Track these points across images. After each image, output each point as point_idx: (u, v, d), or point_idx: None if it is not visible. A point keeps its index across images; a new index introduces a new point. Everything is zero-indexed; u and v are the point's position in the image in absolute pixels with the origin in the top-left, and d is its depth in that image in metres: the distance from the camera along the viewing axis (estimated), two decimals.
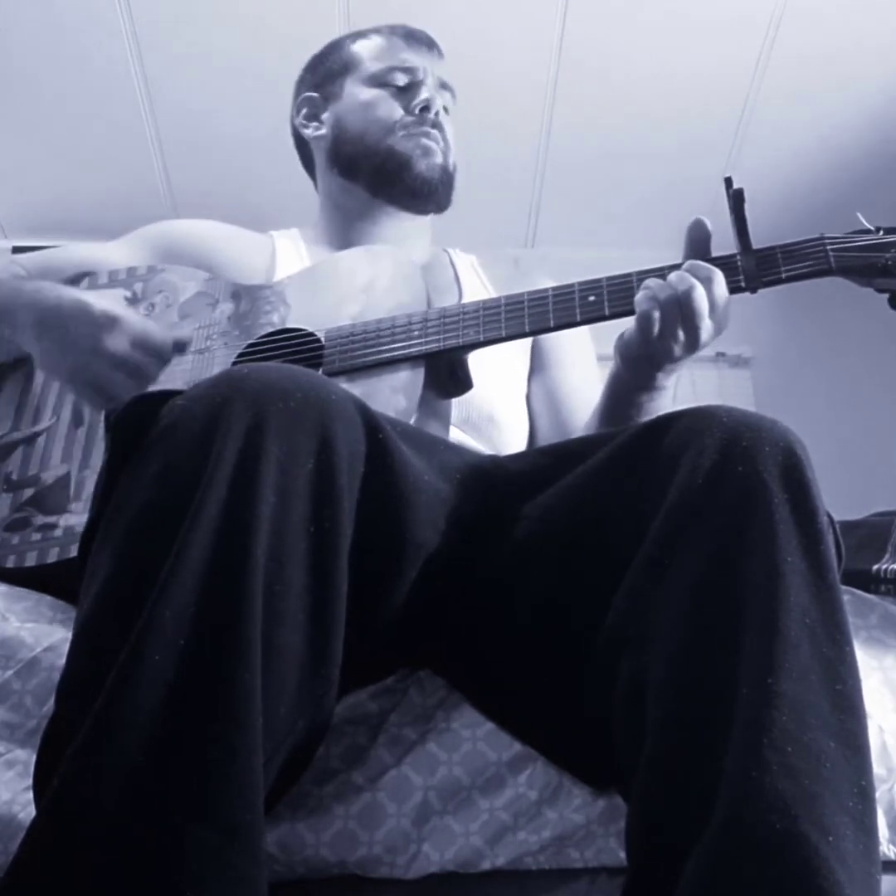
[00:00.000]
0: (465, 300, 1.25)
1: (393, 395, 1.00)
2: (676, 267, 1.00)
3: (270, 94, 2.59)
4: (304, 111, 1.35)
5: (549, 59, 2.49)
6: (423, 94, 1.26)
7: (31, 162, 2.71)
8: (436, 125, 1.27)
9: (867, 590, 0.96)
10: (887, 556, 1.00)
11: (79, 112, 2.58)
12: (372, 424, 0.73)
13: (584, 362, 1.31)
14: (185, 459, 0.66)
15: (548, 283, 1.35)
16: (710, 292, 0.96)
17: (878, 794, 0.78)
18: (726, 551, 0.67)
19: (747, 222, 1.01)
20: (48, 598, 0.93)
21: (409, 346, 1.03)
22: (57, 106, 2.56)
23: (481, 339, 1.04)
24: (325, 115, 1.32)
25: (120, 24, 2.38)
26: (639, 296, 0.98)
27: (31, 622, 0.88)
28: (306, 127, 1.34)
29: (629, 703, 0.69)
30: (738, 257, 1.01)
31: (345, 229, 1.30)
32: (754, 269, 1.00)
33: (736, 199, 1.01)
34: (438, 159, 1.26)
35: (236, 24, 2.38)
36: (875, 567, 0.98)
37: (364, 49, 1.31)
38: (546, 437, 1.24)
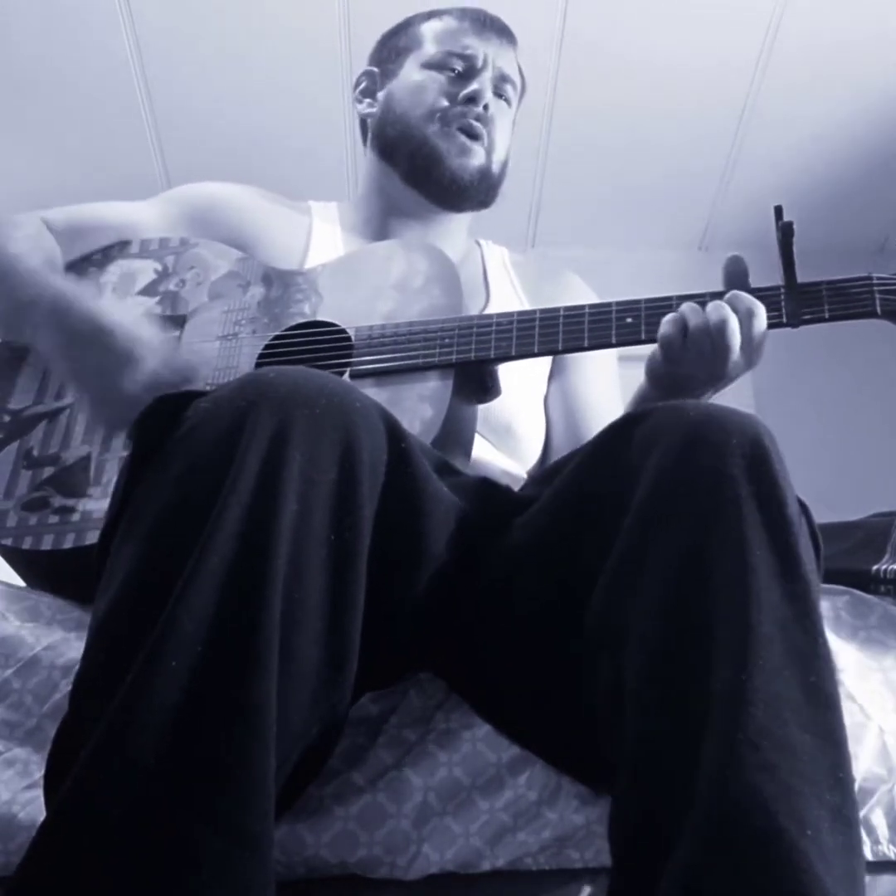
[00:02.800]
0: (492, 303, 1.23)
1: (420, 402, 0.99)
2: (717, 295, 0.98)
3: (271, 93, 2.60)
4: (362, 85, 1.32)
5: (549, 58, 2.49)
6: (474, 85, 1.21)
7: (31, 161, 2.71)
8: (481, 119, 1.21)
9: (867, 590, 0.96)
10: (887, 556, 1.00)
11: (78, 111, 2.57)
12: (395, 433, 0.73)
13: (605, 373, 1.27)
14: (209, 463, 0.66)
15: (576, 279, 1.33)
16: (747, 326, 0.94)
17: (878, 795, 0.78)
18: (695, 549, 0.67)
19: (795, 256, 0.98)
20: (47, 598, 0.93)
21: (440, 354, 1.02)
22: (56, 104, 2.56)
23: (513, 353, 1.02)
24: (380, 93, 1.29)
25: (120, 24, 2.37)
26: (666, 318, 0.96)
27: (30, 622, 0.88)
28: (360, 102, 1.31)
29: (609, 703, 0.69)
30: (782, 292, 0.98)
31: (381, 215, 1.27)
32: (797, 305, 0.97)
33: (785, 232, 0.98)
34: (476, 161, 1.21)
35: (236, 24, 2.38)
36: (875, 567, 0.98)
37: (430, 30, 1.27)
38: (559, 447, 1.22)
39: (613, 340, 1.01)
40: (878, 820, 0.78)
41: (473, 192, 1.23)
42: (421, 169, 1.21)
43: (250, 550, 0.62)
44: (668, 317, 0.96)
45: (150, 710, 0.58)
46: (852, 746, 0.79)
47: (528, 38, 2.42)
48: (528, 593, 0.79)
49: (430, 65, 1.24)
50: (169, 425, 0.71)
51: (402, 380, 1.02)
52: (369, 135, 1.31)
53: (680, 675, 0.64)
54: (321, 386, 0.69)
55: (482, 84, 1.22)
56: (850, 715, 0.82)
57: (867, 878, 0.76)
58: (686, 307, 0.96)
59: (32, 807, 0.75)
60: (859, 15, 2.37)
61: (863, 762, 0.79)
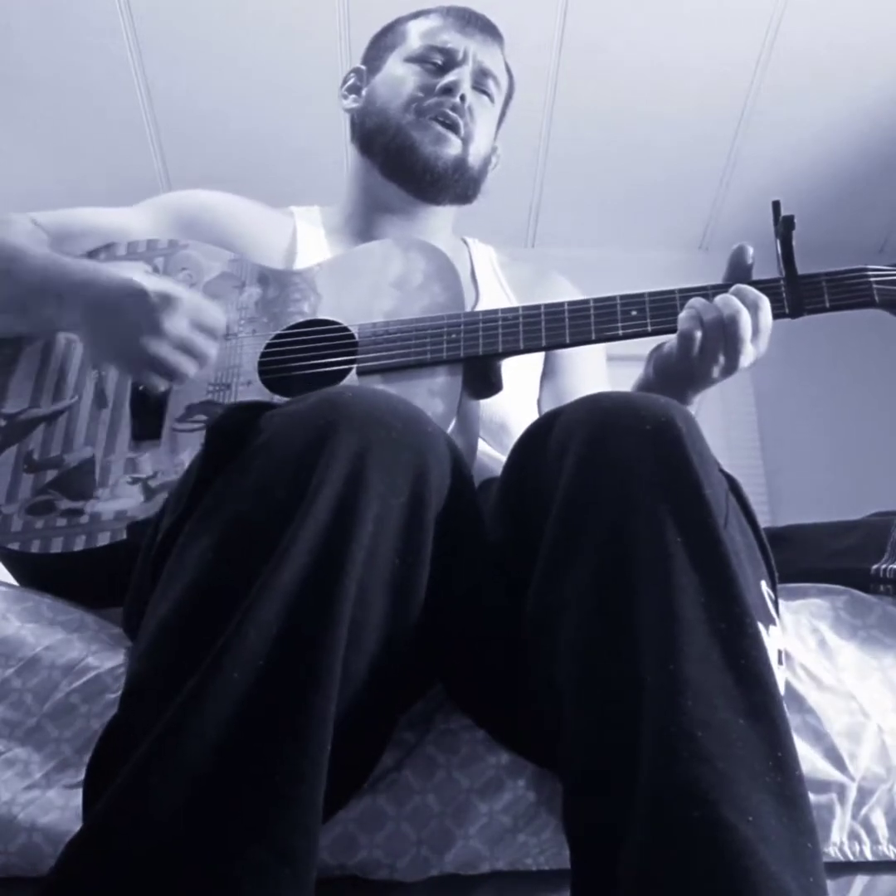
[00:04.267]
0: (482, 301, 1.24)
1: (431, 398, 0.99)
2: (720, 288, 1.00)
3: (271, 93, 2.60)
4: (349, 81, 1.33)
5: (549, 57, 2.49)
6: (451, 76, 1.22)
7: (31, 161, 2.71)
8: (456, 109, 1.22)
9: (866, 590, 0.96)
10: (886, 555, 1.00)
11: (78, 111, 2.57)
12: (458, 460, 0.74)
13: (594, 373, 1.29)
14: (286, 476, 0.66)
15: (564, 281, 1.34)
16: (755, 319, 0.95)
17: (877, 794, 0.78)
18: (615, 540, 0.67)
19: (794, 249, 1.00)
20: (48, 599, 0.93)
21: (448, 349, 1.02)
22: (56, 105, 2.55)
23: (521, 347, 1.03)
24: (365, 89, 1.30)
25: (120, 24, 2.37)
26: (683, 314, 0.97)
27: (31, 622, 0.88)
28: (346, 98, 1.33)
29: (547, 700, 0.69)
30: (783, 283, 1.00)
31: (364, 212, 1.28)
32: (798, 296, 0.99)
33: (785, 226, 1.00)
34: (451, 150, 1.22)
35: (237, 23, 2.38)
36: (874, 567, 0.98)
37: (416, 27, 1.29)
38: None
39: (620, 333, 1.01)
40: (878, 820, 0.78)
41: (450, 183, 1.23)
42: (396, 159, 1.22)
43: (324, 569, 0.62)
44: (685, 313, 0.97)
45: (206, 720, 0.58)
46: (852, 746, 0.80)
47: (528, 38, 2.43)
48: (489, 601, 0.78)
49: (410, 59, 1.25)
50: (244, 434, 0.71)
51: (410, 376, 1.02)
52: (352, 129, 1.32)
53: (609, 669, 0.64)
54: (396, 408, 0.70)
55: (460, 76, 1.22)
56: (849, 714, 0.82)
57: (867, 879, 0.77)
58: (697, 302, 0.97)
59: (33, 807, 0.75)
60: (859, 15, 2.37)
61: (862, 761, 0.79)
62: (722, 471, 0.73)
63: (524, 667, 0.74)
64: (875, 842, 0.77)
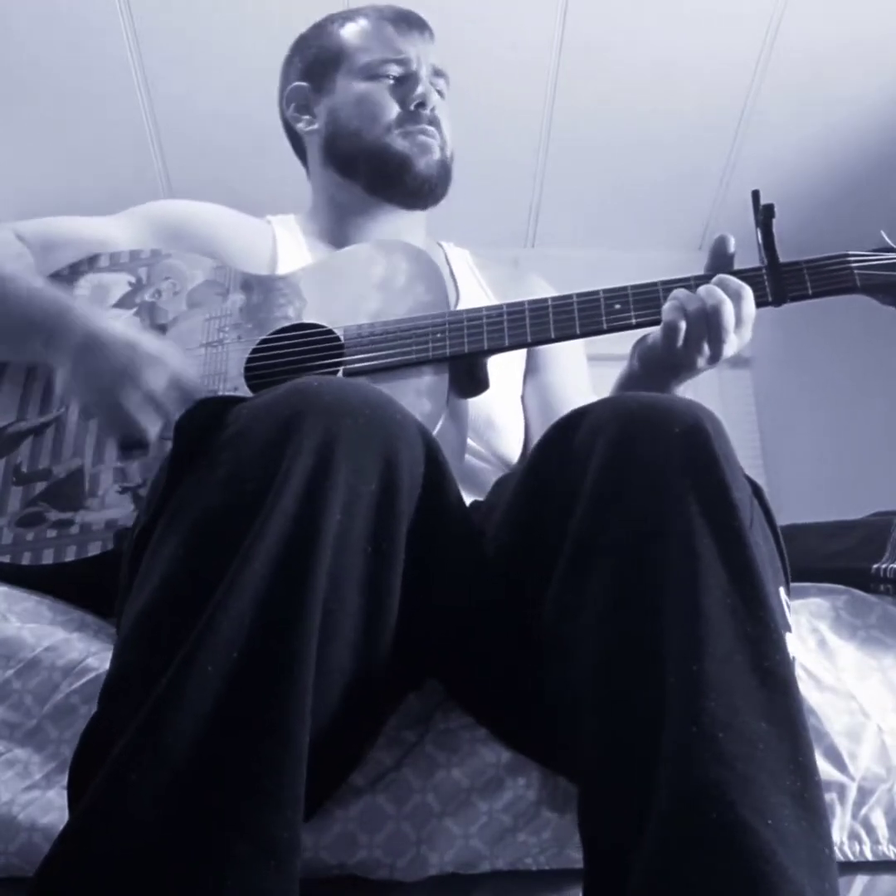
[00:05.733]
0: (463, 301, 1.25)
1: (418, 398, 0.99)
2: (702, 278, 1.00)
3: (271, 93, 2.59)
4: (294, 103, 1.32)
5: (549, 57, 2.49)
6: (419, 89, 1.23)
7: (31, 161, 2.71)
8: (432, 121, 1.24)
9: (867, 589, 0.96)
10: (887, 555, 1.00)
11: (78, 110, 2.57)
12: (431, 447, 0.73)
13: (575, 369, 1.31)
14: (255, 468, 0.66)
15: (542, 282, 1.35)
16: (738, 308, 0.96)
17: (877, 794, 0.78)
18: (642, 541, 0.67)
19: (775, 237, 1.01)
20: (48, 599, 0.93)
21: (434, 348, 1.02)
22: (56, 104, 2.55)
23: (506, 344, 1.03)
24: (317, 109, 1.29)
25: (120, 23, 2.37)
26: (666, 305, 0.97)
27: (31, 622, 0.88)
28: (298, 120, 1.32)
29: (565, 700, 0.69)
30: (765, 272, 1.01)
31: (340, 224, 1.28)
32: (780, 284, 1.00)
33: (765, 214, 1.01)
34: (436, 155, 1.24)
35: (237, 23, 2.38)
36: (874, 566, 0.98)
37: (353, 36, 1.27)
38: None
39: (604, 327, 1.02)
40: (878, 820, 0.78)
41: (439, 188, 1.26)
42: (390, 177, 1.23)
43: (294, 560, 0.62)
44: (669, 304, 0.97)
45: (183, 714, 0.58)
46: (852, 746, 0.80)
47: (528, 38, 2.43)
48: (500, 597, 0.79)
49: (366, 74, 1.24)
50: (211, 428, 0.71)
51: (397, 376, 1.02)
52: (316, 152, 1.30)
53: (632, 669, 0.64)
54: (365, 396, 0.70)
55: (425, 87, 1.24)
56: (849, 714, 0.82)
57: (867, 879, 0.77)
58: (680, 292, 0.98)
59: (32, 807, 0.75)
60: (859, 15, 2.37)
61: (862, 761, 0.79)
62: (745, 476, 0.73)
63: (536, 662, 0.74)
64: (875, 842, 0.77)
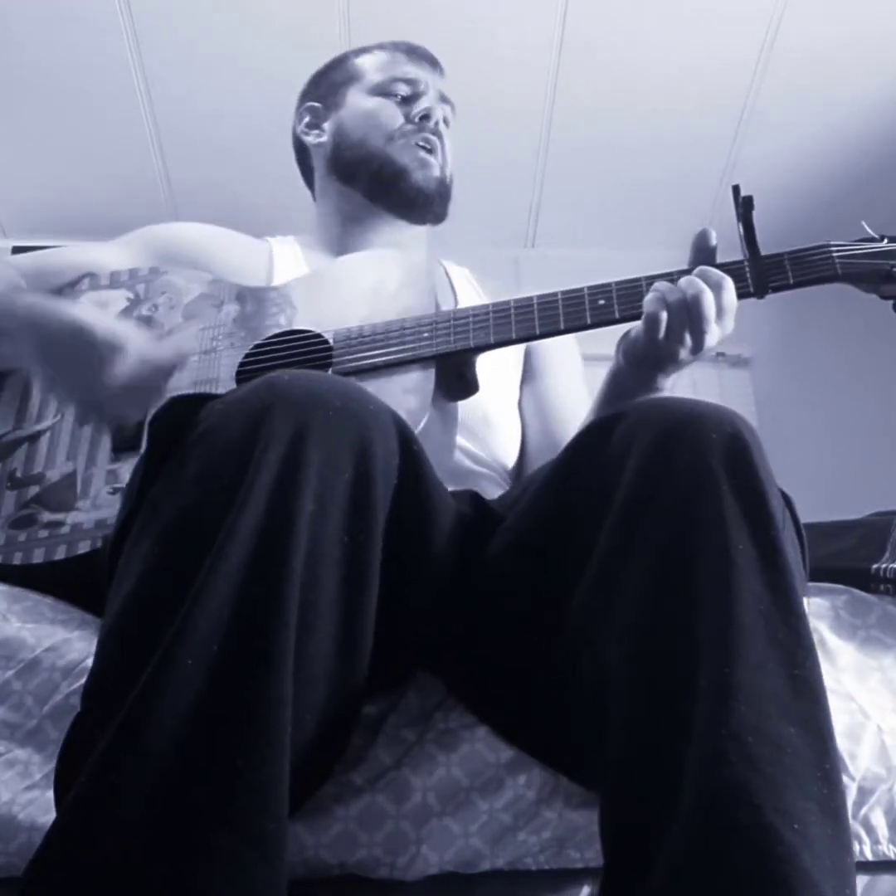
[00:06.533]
0: (461, 306, 1.25)
1: (404, 395, 1.00)
2: (685, 272, 1.01)
3: (271, 93, 2.59)
4: (306, 119, 1.36)
5: (549, 57, 2.49)
6: (424, 103, 1.27)
7: (31, 162, 2.71)
8: (436, 134, 1.28)
9: (867, 589, 0.96)
10: (887, 555, 1.00)
11: (78, 112, 2.57)
12: (406, 436, 0.73)
13: (571, 374, 1.32)
14: (226, 463, 0.66)
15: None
16: (719, 298, 0.96)
17: (877, 794, 0.78)
18: (677, 544, 0.67)
19: (755, 229, 1.02)
20: (49, 599, 0.93)
21: (420, 347, 1.03)
22: (57, 105, 2.56)
23: (492, 341, 1.03)
24: (326, 124, 1.33)
25: (120, 23, 2.38)
26: (648, 297, 0.98)
27: (31, 623, 0.88)
28: (307, 134, 1.35)
29: (592, 699, 0.69)
30: (746, 264, 1.02)
31: (342, 235, 1.30)
32: (762, 275, 1.01)
33: (745, 207, 1.02)
34: (435, 172, 1.27)
35: (237, 23, 2.38)
36: (874, 566, 0.98)
37: (367, 62, 1.33)
38: (536, 448, 1.25)
39: (588, 322, 1.02)
40: (878, 820, 0.78)
41: (436, 203, 1.28)
42: (386, 184, 1.26)
43: (268, 552, 0.63)
44: (650, 296, 0.98)
45: (164, 710, 0.58)
46: (852, 746, 0.80)
47: (528, 38, 2.43)
48: (515, 594, 0.79)
49: (376, 91, 1.30)
50: (183, 426, 0.71)
51: (384, 375, 1.03)
52: (322, 163, 1.34)
53: (664, 670, 0.64)
54: (335, 388, 0.70)
55: (431, 103, 1.29)
56: (849, 714, 0.82)
57: (867, 878, 0.77)
58: (661, 284, 0.99)
59: (33, 807, 0.75)
60: (859, 15, 2.37)
61: (862, 761, 0.79)
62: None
63: (542, 658, 0.74)
64: (875, 842, 0.78)
